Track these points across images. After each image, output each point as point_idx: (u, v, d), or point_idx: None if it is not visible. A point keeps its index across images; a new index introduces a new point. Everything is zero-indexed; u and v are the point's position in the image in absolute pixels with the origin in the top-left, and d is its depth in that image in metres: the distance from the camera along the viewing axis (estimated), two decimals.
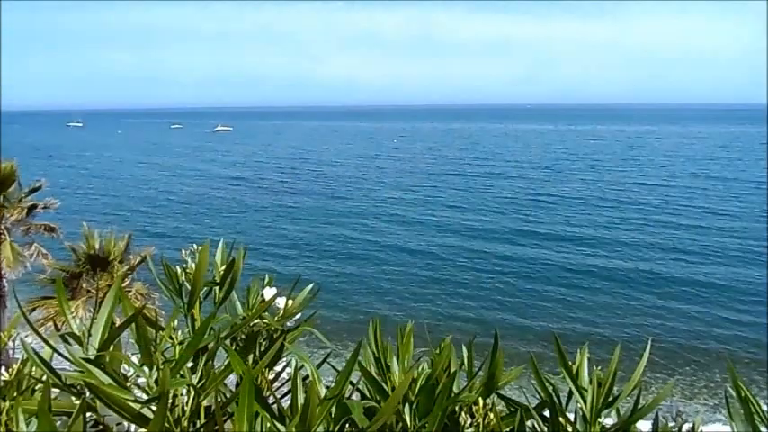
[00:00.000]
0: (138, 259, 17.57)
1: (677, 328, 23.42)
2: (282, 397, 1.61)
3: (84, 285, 17.95)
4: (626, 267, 31.13)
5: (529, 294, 27.15)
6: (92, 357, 1.31)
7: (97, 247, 18.01)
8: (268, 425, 1.41)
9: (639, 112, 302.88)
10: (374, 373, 1.56)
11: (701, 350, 21.75)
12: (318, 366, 1.65)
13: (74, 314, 1.54)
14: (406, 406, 1.40)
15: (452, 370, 1.51)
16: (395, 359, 1.58)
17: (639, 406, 1.59)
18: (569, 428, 1.54)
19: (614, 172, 65.36)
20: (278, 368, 1.91)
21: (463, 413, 1.48)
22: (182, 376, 1.34)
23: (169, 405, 1.43)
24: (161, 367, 1.27)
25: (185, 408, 1.43)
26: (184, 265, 1.72)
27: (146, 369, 1.41)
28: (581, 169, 67.80)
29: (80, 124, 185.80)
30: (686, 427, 1.93)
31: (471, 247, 34.59)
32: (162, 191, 56.32)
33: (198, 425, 1.51)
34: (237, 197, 52.05)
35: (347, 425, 1.36)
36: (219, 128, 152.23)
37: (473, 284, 28.59)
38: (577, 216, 42.49)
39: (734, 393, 1.68)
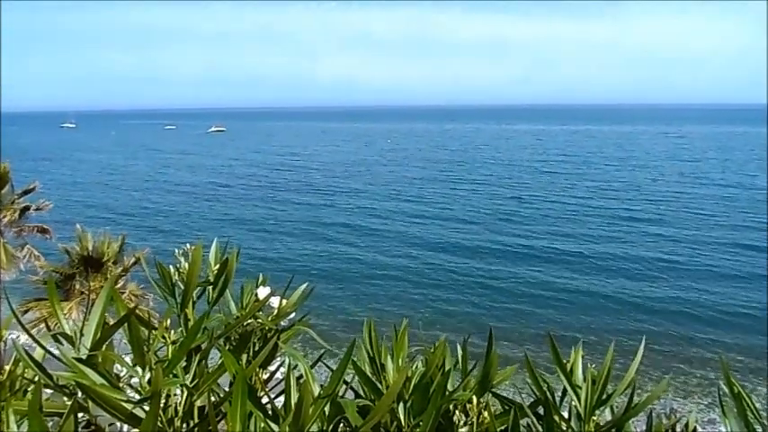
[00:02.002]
0: (132, 260, 17.49)
1: (670, 330, 23.42)
2: (276, 397, 1.60)
3: (77, 287, 17.88)
4: (612, 270, 31.03)
5: (516, 302, 26.78)
6: (83, 357, 1.30)
7: (91, 248, 17.93)
8: (262, 425, 1.40)
9: (635, 113, 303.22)
10: (369, 373, 1.55)
11: (694, 350, 21.81)
12: (312, 366, 1.65)
13: (67, 315, 1.53)
14: (401, 404, 1.40)
15: (447, 368, 1.51)
16: (389, 358, 1.58)
17: (633, 404, 1.60)
18: (564, 426, 1.54)
19: (601, 173, 65.35)
20: (272, 368, 1.90)
21: (458, 412, 1.48)
22: (174, 376, 1.33)
23: (162, 405, 1.42)
24: (154, 367, 1.26)
25: (178, 408, 1.42)
26: (177, 265, 1.72)
27: (138, 369, 1.40)
28: (568, 171, 67.65)
29: (73, 125, 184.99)
30: (680, 425, 1.94)
31: (457, 259, 33.40)
32: (137, 199, 53.06)
33: (191, 425, 1.50)
34: (216, 208, 49.37)
35: (341, 424, 1.36)
36: (213, 129, 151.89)
37: (459, 292, 27.91)
38: (562, 221, 42.05)
39: (727, 390, 1.69)
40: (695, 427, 1.33)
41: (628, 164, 73.69)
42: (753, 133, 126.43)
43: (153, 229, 41.15)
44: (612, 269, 30.98)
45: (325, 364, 1.78)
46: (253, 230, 40.59)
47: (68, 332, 1.35)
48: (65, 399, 1.40)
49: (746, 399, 1.66)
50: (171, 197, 54.54)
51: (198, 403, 1.53)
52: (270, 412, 1.32)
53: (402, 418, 1.39)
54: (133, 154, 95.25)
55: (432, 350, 1.64)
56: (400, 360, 1.51)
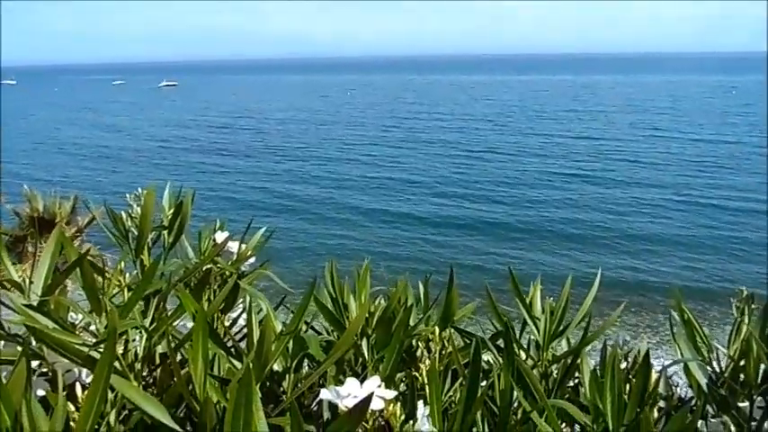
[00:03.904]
0: (87, 220, 17.02)
1: (620, 276, 24.03)
2: (240, 340, 1.59)
3: (30, 249, 17.35)
4: (558, 219, 31.45)
5: (466, 251, 26.78)
6: (34, 304, 1.26)
7: (41, 209, 17.35)
8: (227, 366, 1.39)
9: (595, 62, 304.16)
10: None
11: (645, 294, 22.54)
12: (276, 309, 1.64)
13: (21, 278, 1.47)
14: (364, 340, 1.41)
15: (409, 304, 1.52)
16: (352, 298, 1.58)
17: (589, 333, 1.66)
18: (523, 356, 1.58)
19: (553, 124, 65.89)
20: (234, 314, 1.89)
21: (421, 346, 1.50)
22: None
23: (121, 351, 1.39)
24: (109, 311, 1.23)
25: (139, 352, 1.40)
26: (129, 211, 1.66)
27: (95, 316, 1.37)
28: (521, 124, 67.84)
29: (13, 82, 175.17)
30: (632, 354, 2.03)
31: (403, 227, 32.59)
32: (66, 166, 48.33)
33: (152, 369, 1.48)
34: (152, 175, 43.82)
35: (305, 360, 1.36)
36: (164, 84, 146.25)
37: (404, 261, 27.29)
38: (511, 180, 42.08)
39: (677, 317, 1.77)
40: (647, 350, 1.39)
41: (581, 114, 74.56)
42: (707, 82, 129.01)
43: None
44: (562, 233, 30.49)
45: (287, 307, 1.78)
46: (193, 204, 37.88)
47: (16, 279, 1.30)
48: (18, 348, 1.36)
49: (696, 325, 1.74)
50: (104, 165, 49.64)
51: (159, 350, 1.51)
52: (233, 352, 1.31)
53: (366, 352, 1.41)
54: (69, 114, 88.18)
55: (393, 289, 1.65)
56: (363, 297, 1.51)
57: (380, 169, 45.73)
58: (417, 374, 1.23)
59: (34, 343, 1.36)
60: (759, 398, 1.56)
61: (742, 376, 1.63)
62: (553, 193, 37.62)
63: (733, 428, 1.56)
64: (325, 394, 1.04)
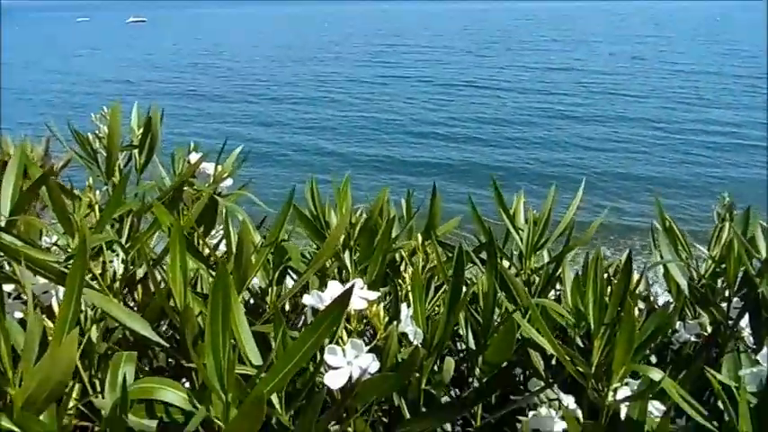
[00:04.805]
0: (62, 163, 16.67)
1: (598, 216, 23.84)
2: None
3: None
4: (536, 158, 31.13)
5: (443, 194, 26.35)
6: (2, 225, 1.21)
7: (12, 153, 16.95)
8: (210, 282, 1.37)
9: None
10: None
11: (622, 232, 22.58)
12: (258, 228, 1.60)
13: None
14: (346, 252, 1.39)
15: (391, 215, 1.50)
16: (333, 213, 1.55)
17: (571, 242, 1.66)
18: (506, 264, 1.59)
19: (532, 55, 64.40)
20: (214, 241, 1.86)
21: (405, 256, 1.49)
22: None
23: (99, 272, 1.36)
24: (80, 226, 1.18)
25: (117, 273, 1.37)
26: (96, 132, 1.60)
27: (68, 238, 1.33)
28: (500, 53, 66.07)
29: None
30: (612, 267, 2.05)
31: (376, 172, 31.66)
32: (14, 124, 44.60)
33: (132, 291, 1.46)
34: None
35: (287, 273, 1.34)
36: (132, 20, 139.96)
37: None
38: (488, 109, 41.24)
39: (659, 226, 1.77)
40: (629, 252, 1.39)
41: (562, 45, 72.93)
42: (694, 7, 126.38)
43: None
44: (540, 173, 29.61)
45: (266, 229, 1.74)
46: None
47: None
48: None
49: (677, 231, 1.75)
50: (62, 111, 46.76)
51: (139, 273, 1.48)
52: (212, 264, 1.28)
53: (348, 264, 1.39)
54: (27, 56, 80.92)
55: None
56: (344, 209, 1.48)
57: (355, 108, 44.63)
58: (401, 282, 1.22)
59: (8, 268, 1.32)
60: (736, 299, 1.59)
61: (720, 282, 1.66)
62: (531, 129, 36.92)
63: (709, 328, 1.60)
64: (307, 299, 1.02)
